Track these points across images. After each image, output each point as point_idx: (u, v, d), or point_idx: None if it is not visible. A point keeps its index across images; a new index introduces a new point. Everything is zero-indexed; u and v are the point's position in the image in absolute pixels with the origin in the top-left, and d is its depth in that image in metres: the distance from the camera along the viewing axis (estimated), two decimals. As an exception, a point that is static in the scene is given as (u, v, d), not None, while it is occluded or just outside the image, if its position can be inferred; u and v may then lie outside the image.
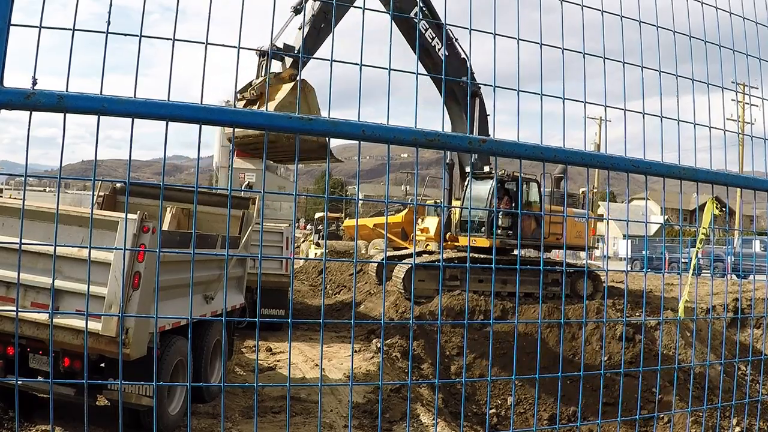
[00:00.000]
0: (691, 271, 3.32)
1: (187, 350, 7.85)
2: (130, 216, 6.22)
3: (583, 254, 20.95)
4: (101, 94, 1.98)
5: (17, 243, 2.35)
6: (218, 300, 8.47)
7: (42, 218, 6.07)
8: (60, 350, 6.37)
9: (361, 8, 2.27)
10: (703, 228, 3.18)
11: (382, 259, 17.84)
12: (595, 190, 47.78)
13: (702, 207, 3.22)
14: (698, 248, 3.26)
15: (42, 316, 6.10)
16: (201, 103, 2.09)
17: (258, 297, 2.27)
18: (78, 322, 6.01)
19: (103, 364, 6.72)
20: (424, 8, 15.94)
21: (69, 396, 6.50)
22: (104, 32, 2.00)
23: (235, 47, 2.10)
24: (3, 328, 6.05)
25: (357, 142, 2.25)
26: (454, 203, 17.48)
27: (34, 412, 7.20)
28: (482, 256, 15.09)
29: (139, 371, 6.49)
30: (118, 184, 10.30)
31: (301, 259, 10.04)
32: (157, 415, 7.04)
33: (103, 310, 6.04)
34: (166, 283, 6.86)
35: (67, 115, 1.97)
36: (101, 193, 9.84)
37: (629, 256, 34.84)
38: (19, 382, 6.17)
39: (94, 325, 6.01)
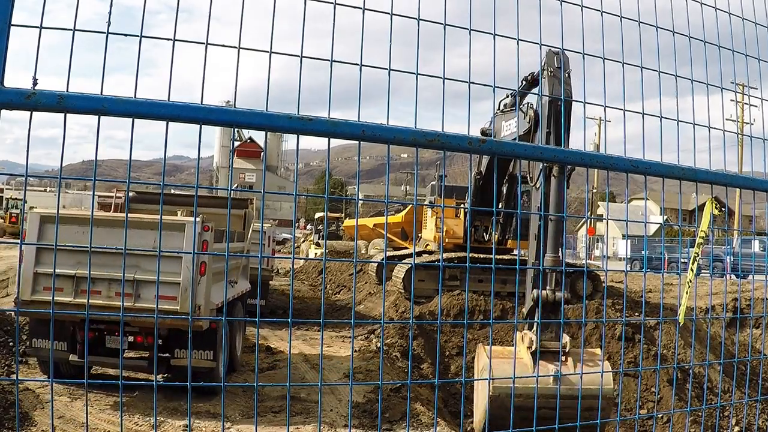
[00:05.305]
0: (690, 272, 3.31)
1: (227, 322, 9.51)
2: (192, 219, 8.00)
3: (583, 254, 20.96)
4: (101, 94, 1.98)
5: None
6: (239, 284, 10.68)
7: (121, 225, 7.72)
8: (136, 329, 8.44)
9: (361, 8, 2.27)
10: (702, 231, 3.18)
11: (382, 259, 17.84)
12: (594, 191, 47.85)
13: (701, 207, 3.22)
14: (696, 252, 3.25)
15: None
16: (201, 103, 2.10)
17: (258, 295, 2.29)
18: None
19: (160, 341, 8.54)
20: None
21: (143, 367, 8.90)
22: (104, 32, 2.01)
23: (235, 47, 2.10)
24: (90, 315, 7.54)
25: (357, 142, 2.26)
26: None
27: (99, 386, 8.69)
28: (482, 255, 15.10)
29: (203, 339, 8.57)
30: (131, 194, 11.74)
31: (301, 259, 10.25)
32: (212, 374, 8.82)
33: (179, 293, 7.98)
34: (216, 270, 8.81)
35: (70, 115, 1.98)
36: (118, 195, 11.10)
37: (628, 256, 34.85)
38: (91, 359, 8.07)
39: (173, 306, 7.94)
